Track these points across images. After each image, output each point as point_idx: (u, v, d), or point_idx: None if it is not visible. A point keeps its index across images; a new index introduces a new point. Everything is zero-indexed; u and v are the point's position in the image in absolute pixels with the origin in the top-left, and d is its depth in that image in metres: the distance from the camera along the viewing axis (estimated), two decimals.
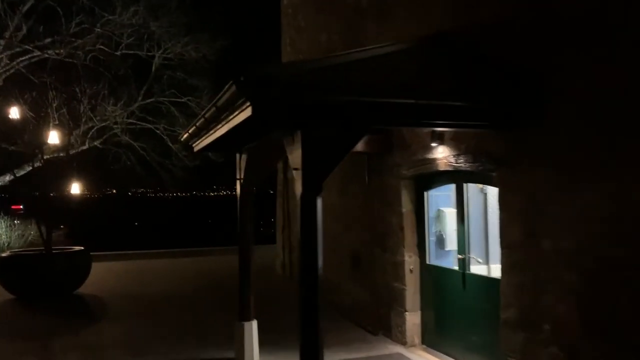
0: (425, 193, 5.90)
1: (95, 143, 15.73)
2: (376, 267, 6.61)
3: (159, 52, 15.75)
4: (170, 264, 13.11)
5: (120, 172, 19.43)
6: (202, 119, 4.45)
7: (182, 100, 16.98)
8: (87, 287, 9.03)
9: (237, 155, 5.78)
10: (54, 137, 13.08)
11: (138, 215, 47.26)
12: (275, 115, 3.46)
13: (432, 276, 5.79)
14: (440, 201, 5.88)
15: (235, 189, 5.87)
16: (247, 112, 3.43)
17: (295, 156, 3.67)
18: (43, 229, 8.99)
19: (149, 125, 16.62)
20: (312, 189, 3.58)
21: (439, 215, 5.77)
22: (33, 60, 15.08)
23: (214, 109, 3.91)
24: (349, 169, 7.35)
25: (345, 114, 3.50)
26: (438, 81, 3.95)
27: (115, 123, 15.99)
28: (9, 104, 13.85)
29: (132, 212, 48.79)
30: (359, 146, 5.69)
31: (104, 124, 15.41)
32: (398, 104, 3.57)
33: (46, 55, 14.74)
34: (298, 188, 3.62)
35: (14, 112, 13.45)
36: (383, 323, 6.44)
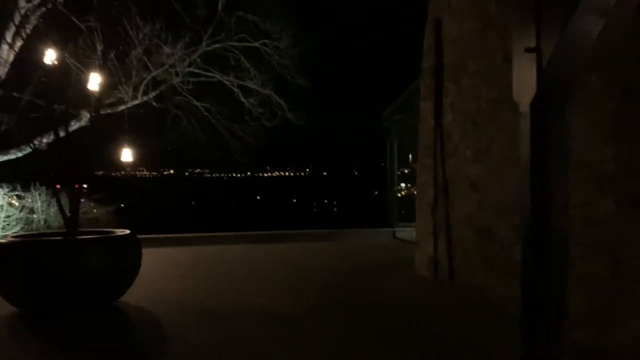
0: None
1: (150, 96, 12.49)
2: None
3: None
4: (246, 252, 9.72)
5: (180, 142, 16.28)
6: None
7: (255, 45, 13.47)
8: (135, 292, 5.68)
9: None
10: (94, 82, 9.89)
11: (199, 197, 45.19)
12: None
13: None
14: None
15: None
16: None
17: None
18: (65, 201, 5.72)
19: (217, 75, 13.22)
20: None
21: None
22: None
23: None
24: None
25: None
26: None
27: (176, 74, 12.68)
28: (45, 51, 10.82)
29: (193, 194, 46.79)
30: None
31: (160, 70, 12.12)
32: None
33: None
34: None
35: (50, 56, 10.41)
36: None
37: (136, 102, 12.24)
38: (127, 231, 5.54)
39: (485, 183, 5.53)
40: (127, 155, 12.51)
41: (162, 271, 7.49)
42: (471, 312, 5.26)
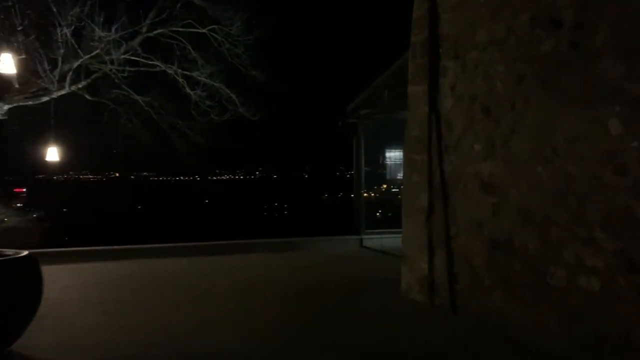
0: None
1: (79, 86, 10.77)
2: None
3: None
4: (195, 268, 8.24)
5: (120, 141, 14.46)
6: None
7: (203, 31, 11.98)
8: (40, 331, 4.15)
9: None
10: (7, 63, 8.22)
11: (145, 201, 42.69)
12: None
13: None
14: None
15: None
16: None
17: None
18: None
19: (159, 64, 11.62)
20: None
21: None
22: None
23: None
24: None
25: None
26: None
27: (111, 62, 11.00)
28: None
29: (139, 198, 44.09)
30: None
31: (89, 55, 10.44)
32: None
33: None
34: None
35: None
36: None
37: (62, 92, 10.50)
38: (24, 252, 4.01)
39: (502, 183, 4.34)
40: (52, 154, 10.75)
41: (86, 297, 5.92)
42: (486, 347, 4.05)
